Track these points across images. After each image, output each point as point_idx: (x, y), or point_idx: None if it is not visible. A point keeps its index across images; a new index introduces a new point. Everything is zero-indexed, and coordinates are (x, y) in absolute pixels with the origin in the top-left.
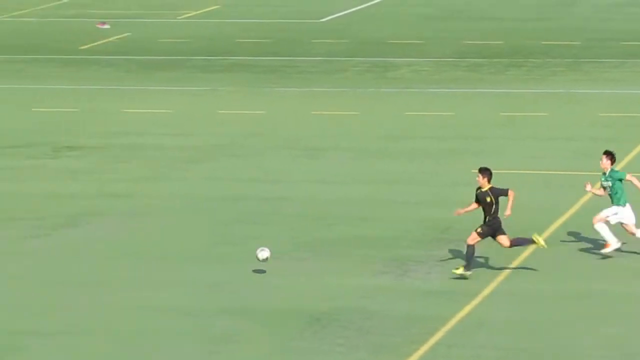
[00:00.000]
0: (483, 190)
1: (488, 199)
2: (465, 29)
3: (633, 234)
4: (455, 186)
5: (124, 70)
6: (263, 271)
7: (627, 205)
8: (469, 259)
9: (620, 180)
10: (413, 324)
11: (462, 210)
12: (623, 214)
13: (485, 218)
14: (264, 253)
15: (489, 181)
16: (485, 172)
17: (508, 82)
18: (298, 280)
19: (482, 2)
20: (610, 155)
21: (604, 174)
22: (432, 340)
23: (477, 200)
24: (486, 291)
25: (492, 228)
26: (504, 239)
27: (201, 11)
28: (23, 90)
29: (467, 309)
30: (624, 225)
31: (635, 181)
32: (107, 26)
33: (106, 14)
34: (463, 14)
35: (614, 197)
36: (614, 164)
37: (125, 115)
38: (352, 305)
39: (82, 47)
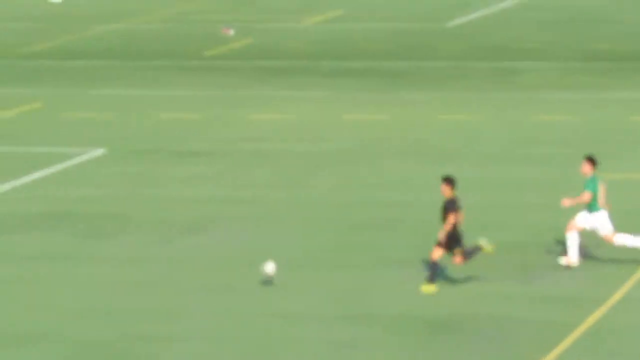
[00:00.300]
0: (446, 199)
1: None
2: (592, 33)
3: (568, 232)
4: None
5: (248, 76)
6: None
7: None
8: (433, 271)
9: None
10: (542, 331)
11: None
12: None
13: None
14: (271, 268)
15: (451, 190)
16: (447, 181)
17: (636, 86)
18: None
19: (609, 6)
20: (591, 160)
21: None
22: (561, 347)
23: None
24: (616, 297)
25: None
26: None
27: (325, 16)
28: (148, 96)
29: (597, 315)
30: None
31: (582, 198)
32: (231, 32)
33: (231, 19)
34: (590, 18)
35: (591, 204)
36: (595, 169)
37: (249, 121)
38: (480, 312)
39: (207, 53)
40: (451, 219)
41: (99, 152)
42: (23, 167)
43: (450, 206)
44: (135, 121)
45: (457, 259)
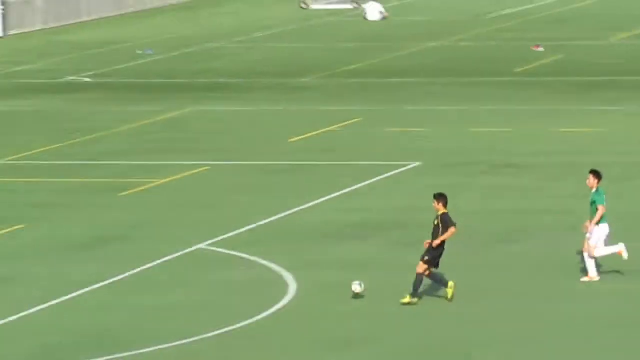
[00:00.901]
0: (437, 213)
1: (435, 222)
2: None
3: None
4: None
5: (558, 91)
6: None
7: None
8: (416, 287)
9: (593, 203)
10: None
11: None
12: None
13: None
14: (358, 287)
15: (444, 206)
16: (440, 197)
17: None
18: None
19: None
20: (596, 173)
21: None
22: None
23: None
24: None
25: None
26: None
27: (632, 33)
28: (461, 112)
29: None
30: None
31: (599, 213)
32: (541, 49)
33: (540, 37)
34: None
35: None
36: (600, 183)
37: (561, 134)
38: None
39: (517, 70)
40: (452, 230)
41: (414, 164)
42: (343, 178)
43: (449, 220)
44: (449, 135)
45: (421, 268)
